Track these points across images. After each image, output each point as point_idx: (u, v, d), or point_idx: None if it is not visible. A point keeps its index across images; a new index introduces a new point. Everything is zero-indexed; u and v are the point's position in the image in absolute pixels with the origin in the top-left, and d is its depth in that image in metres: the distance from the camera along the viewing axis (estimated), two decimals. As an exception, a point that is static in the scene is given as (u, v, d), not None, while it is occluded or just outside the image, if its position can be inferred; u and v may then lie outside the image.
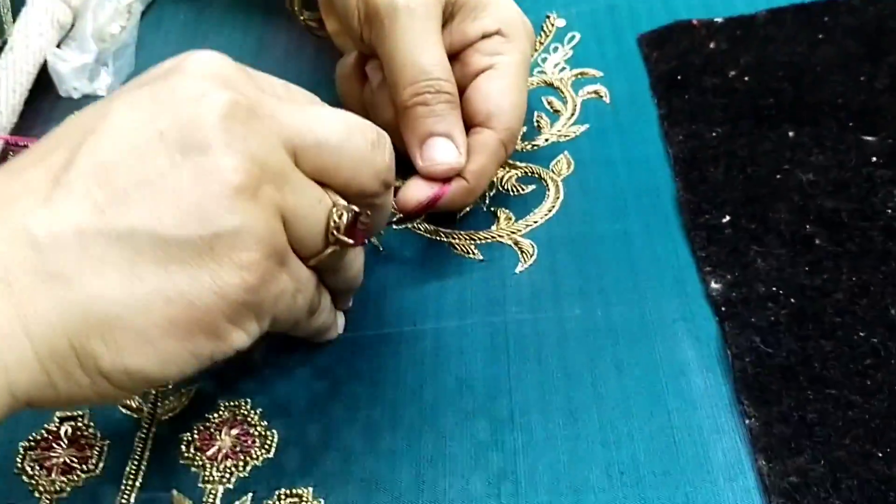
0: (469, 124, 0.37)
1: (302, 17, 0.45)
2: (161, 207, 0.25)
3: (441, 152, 0.35)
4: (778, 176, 0.37)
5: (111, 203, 0.24)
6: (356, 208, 0.29)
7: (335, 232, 0.29)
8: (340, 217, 0.28)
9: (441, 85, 0.35)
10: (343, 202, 0.29)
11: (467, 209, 0.39)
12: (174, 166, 0.25)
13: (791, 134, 0.39)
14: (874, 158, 0.37)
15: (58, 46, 0.50)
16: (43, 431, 0.34)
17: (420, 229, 0.39)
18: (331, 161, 0.28)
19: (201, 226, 0.25)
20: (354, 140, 0.29)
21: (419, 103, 0.35)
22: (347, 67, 0.41)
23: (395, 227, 0.38)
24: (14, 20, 0.49)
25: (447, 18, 0.37)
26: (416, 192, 0.36)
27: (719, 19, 0.44)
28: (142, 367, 0.25)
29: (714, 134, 0.39)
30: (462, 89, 0.37)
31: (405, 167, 0.36)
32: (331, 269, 0.31)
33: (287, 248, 0.28)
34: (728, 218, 0.36)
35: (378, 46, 0.36)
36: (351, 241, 0.29)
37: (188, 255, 0.25)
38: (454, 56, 0.38)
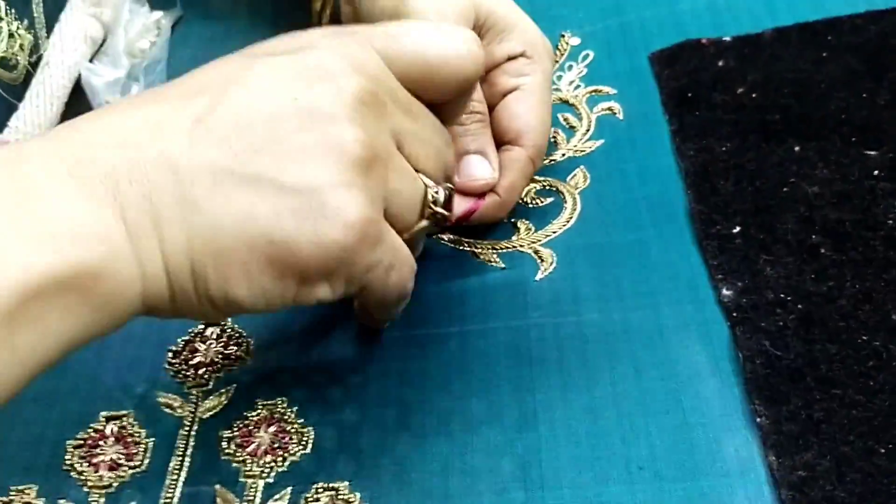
0: (499, 142, 0.39)
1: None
2: (286, 162, 0.28)
3: (477, 169, 0.38)
4: (785, 188, 0.39)
5: (244, 150, 0.28)
6: (451, 186, 0.34)
7: (432, 206, 0.32)
8: (437, 193, 0.32)
9: (474, 106, 0.37)
10: (433, 184, 0.32)
11: (489, 222, 0.41)
12: (303, 129, 0.28)
13: (797, 148, 0.40)
14: (876, 172, 0.39)
15: (90, 61, 0.52)
16: (90, 430, 0.36)
17: (444, 239, 0.41)
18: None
19: (317, 183, 0.28)
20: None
21: (454, 123, 0.37)
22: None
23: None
24: (48, 36, 0.51)
25: None
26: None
27: (727, 38, 0.46)
28: (238, 296, 0.28)
29: (724, 148, 0.41)
30: (490, 108, 0.39)
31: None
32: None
33: (385, 225, 0.30)
34: (738, 228, 0.38)
35: None
36: (448, 213, 0.33)
37: (300, 206, 0.28)
38: (482, 77, 0.39)
